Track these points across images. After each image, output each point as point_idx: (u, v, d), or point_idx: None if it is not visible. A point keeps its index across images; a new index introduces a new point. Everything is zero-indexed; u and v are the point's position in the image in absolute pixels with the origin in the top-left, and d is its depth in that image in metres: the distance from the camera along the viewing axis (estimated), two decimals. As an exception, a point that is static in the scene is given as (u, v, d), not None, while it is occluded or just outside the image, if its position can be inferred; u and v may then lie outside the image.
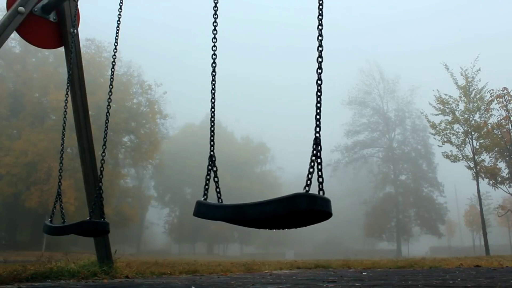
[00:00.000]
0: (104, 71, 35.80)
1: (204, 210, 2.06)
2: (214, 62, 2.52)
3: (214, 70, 2.52)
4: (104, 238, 4.45)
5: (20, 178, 30.61)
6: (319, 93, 1.94)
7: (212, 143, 2.36)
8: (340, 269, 6.54)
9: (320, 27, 2.03)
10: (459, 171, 25.88)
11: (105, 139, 3.63)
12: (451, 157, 22.93)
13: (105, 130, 3.61)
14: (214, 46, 2.53)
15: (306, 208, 1.66)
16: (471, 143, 22.40)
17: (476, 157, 22.16)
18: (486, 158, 22.69)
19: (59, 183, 3.73)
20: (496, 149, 22.31)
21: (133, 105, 39.84)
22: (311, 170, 1.76)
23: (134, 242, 52.25)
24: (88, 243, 9.25)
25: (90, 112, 4.71)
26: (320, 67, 1.97)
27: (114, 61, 3.83)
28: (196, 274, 5.17)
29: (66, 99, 4.11)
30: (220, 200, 2.16)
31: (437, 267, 6.46)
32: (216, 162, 2.30)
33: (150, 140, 39.86)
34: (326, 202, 1.71)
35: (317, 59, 1.99)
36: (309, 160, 1.79)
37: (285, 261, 11.47)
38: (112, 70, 3.81)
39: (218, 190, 2.23)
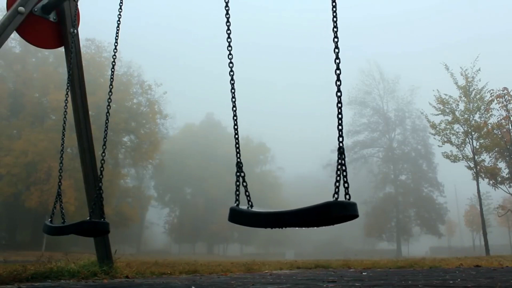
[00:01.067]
0: (104, 71, 35.81)
1: (239, 217, 2.17)
2: (231, 71, 2.51)
3: (232, 79, 2.51)
4: (104, 238, 4.45)
5: (20, 178, 30.61)
6: (339, 105, 2.00)
7: (237, 150, 2.40)
8: (340, 269, 6.54)
9: (336, 39, 2.06)
10: (459, 171, 25.91)
11: (105, 139, 3.63)
12: (451, 157, 22.94)
13: (105, 130, 3.61)
14: (230, 54, 2.53)
15: (338, 214, 1.81)
16: (471, 143, 22.41)
17: (476, 157, 22.17)
18: (486, 158, 22.74)
19: (59, 183, 3.73)
20: (496, 149, 22.32)
21: (133, 105, 39.85)
22: (338, 178, 1.87)
23: (134, 242, 52.24)
24: (88, 243, 9.26)
25: (90, 112, 4.71)
26: (339, 79, 2.02)
27: (114, 61, 3.83)
28: (196, 274, 5.17)
29: (66, 99, 4.10)
30: (250, 203, 2.23)
31: (437, 267, 6.46)
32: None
33: (150, 140, 39.87)
34: (354, 206, 1.85)
35: (335, 72, 2.03)
36: (335, 169, 1.91)
37: (285, 261, 11.47)
38: (112, 70, 3.81)
39: (247, 194, 2.28)
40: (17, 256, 16.45)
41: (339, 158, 1.91)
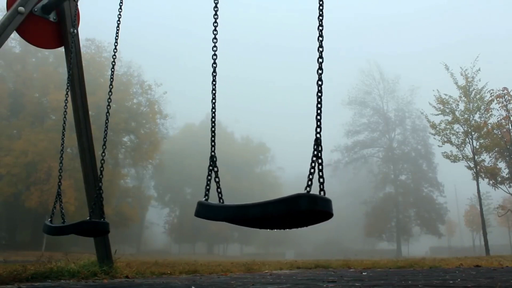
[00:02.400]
0: (104, 71, 35.80)
1: (205, 211, 2.07)
2: (214, 63, 2.53)
3: (214, 71, 2.53)
4: (104, 238, 4.45)
5: (20, 178, 30.60)
6: (319, 94, 1.95)
7: (213, 143, 2.37)
8: (340, 269, 6.54)
9: (320, 27, 2.04)
10: (459, 171, 25.90)
11: (105, 139, 3.63)
12: (451, 157, 22.93)
13: (105, 130, 3.61)
14: (215, 46, 2.54)
15: (308, 209, 1.67)
16: (471, 143, 22.41)
17: (476, 157, 22.16)
18: (486, 158, 22.73)
19: (59, 183, 3.73)
20: (496, 149, 22.31)
21: (133, 105, 39.84)
22: (312, 170, 1.77)
23: (134, 242, 52.24)
24: (88, 243, 9.26)
25: (90, 112, 4.71)
26: (320, 68, 1.98)
27: (114, 61, 3.83)
28: (196, 274, 5.17)
29: (66, 99, 4.11)
30: (221, 200, 2.16)
31: (437, 267, 6.46)
32: (216, 162, 2.30)
33: (150, 140, 39.86)
34: (327, 203, 1.72)
35: (318, 60, 1.99)
36: (310, 161, 1.80)
37: (285, 261, 11.47)
38: (112, 70, 3.82)
39: (219, 190, 2.23)
40: (17, 256, 16.44)
41: (314, 150, 1.81)
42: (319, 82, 1.96)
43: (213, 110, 2.50)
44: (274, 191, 60.13)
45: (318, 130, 1.87)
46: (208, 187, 2.22)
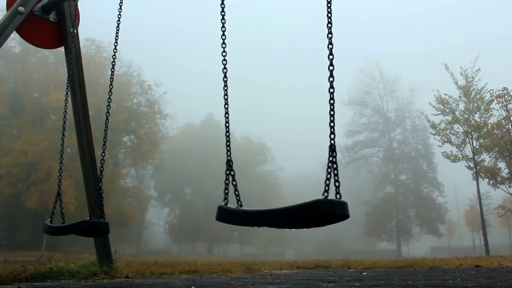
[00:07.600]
0: (104, 71, 35.82)
1: (227, 216, 2.15)
2: (225, 68, 2.53)
3: (225, 76, 2.53)
4: (104, 238, 4.45)
5: (20, 178, 30.60)
6: (332, 101, 1.98)
7: (228, 148, 2.38)
8: (340, 269, 6.54)
9: (330, 35, 2.05)
10: (459, 171, 25.87)
11: (105, 139, 3.63)
12: (451, 157, 22.91)
13: (105, 130, 3.61)
14: (224, 51, 2.54)
15: (327, 213, 1.76)
16: (471, 143, 22.39)
17: (476, 157, 22.15)
18: (486, 158, 22.71)
19: (59, 183, 3.73)
20: (496, 149, 22.29)
21: (133, 105, 39.85)
22: (328, 176, 1.84)
23: (134, 242, 52.23)
24: (88, 243, 9.25)
25: (90, 112, 4.71)
26: (331, 76, 2.00)
27: (114, 61, 3.83)
28: (196, 274, 5.17)
29: (66, 99, 4.10)
30: (239, 202, 2.21)
31: (437, 267, 6.46)
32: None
33: (150, 140, 39.86)
34: (344, 206, 1.81)
35: (329, 68, 2.01)
36: (326, 167, 1.87)
37: (285, 261, 11.46)
38: (112, 70, 3.81)
39: (237, 193, 2.27)
40: (17, 256, 16.45)
41: (330, 156, 1.87)
42: (331, 90, 1.98)
43: (227, 115, 2.49)
44: (274, 191, 60.13)
45: (332, 136, 1.91)
46: (226, 191, 2.26)
